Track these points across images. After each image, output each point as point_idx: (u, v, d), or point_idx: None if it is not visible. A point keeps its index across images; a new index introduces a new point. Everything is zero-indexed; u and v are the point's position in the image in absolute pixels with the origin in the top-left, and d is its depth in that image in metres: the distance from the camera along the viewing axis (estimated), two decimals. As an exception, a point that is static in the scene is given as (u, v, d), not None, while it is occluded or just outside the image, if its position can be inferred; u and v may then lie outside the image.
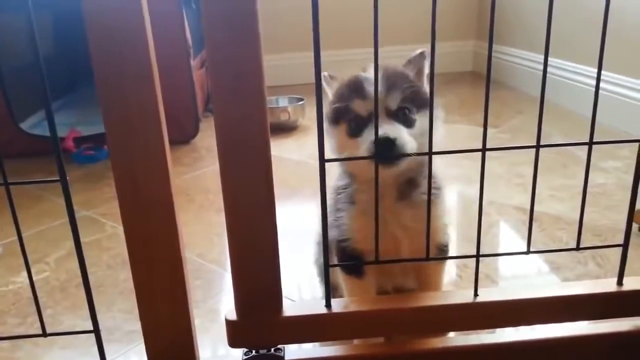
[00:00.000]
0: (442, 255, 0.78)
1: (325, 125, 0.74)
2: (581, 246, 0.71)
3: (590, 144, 0.65)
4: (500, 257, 1.10)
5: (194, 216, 1.35)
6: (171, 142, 0.60)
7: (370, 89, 0.69)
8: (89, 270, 0.94)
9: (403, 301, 0.70)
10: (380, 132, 0.64)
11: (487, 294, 0.68)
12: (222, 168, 0.60)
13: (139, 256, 0.62)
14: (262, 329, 0.67)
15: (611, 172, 1.51)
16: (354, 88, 0.72)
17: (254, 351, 0.69)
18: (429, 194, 0.64)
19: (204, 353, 0.86)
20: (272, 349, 0.69)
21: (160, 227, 0.60)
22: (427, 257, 0.68)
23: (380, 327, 0.69)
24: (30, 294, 0.63)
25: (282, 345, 0.70)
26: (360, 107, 0.70)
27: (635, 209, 1.17)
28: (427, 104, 0.69)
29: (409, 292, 0.79)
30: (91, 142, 1.83)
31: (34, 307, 0.63)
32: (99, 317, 0.98)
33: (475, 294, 0.68)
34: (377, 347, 0.71)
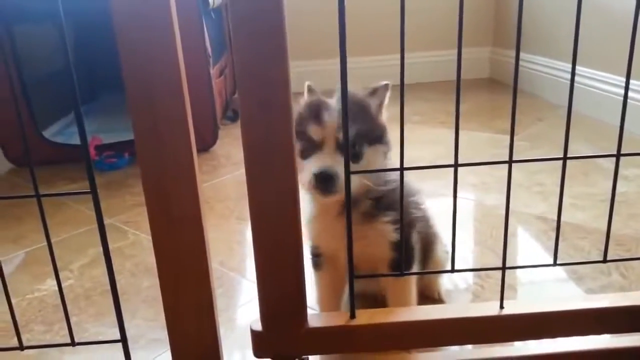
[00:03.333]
0: (399, 269, 0.79)
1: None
2: (615, 260, 0.70)
3: (618, 155, 0.64)
4: (522, 271, 1.09)
5: (215, 224, 1.36)
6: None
7: (327, 116, 0.73)
8: (117, 277, 0.95)
9: (429, 313, 0.70)
10: (321, 165, 0.71)
11: (512, 307, 0.68)
12: (249, 179, 0.61)
13: (167, 269, 0.63)
14: (286, 339, 0.68)
15: (633, 180, 1.49)
16: (313, 112, 0.74)
17: (278, 362, 0.69)
18: (402, 212, 0.67)
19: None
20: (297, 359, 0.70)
21: (189, 240, 0.61)
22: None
23: (405, 339, 0.69)
24: (55, 302, 0.65)
25: (307, 356, 0.71)
26: (315, 132, 0.74)
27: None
28: (379, 140, 0.76)
29: (436, 305, 0.79)
30: (112, 149, 1.85)
31: (59, 315, 0.64)
32: (126, 324, 1.00)
33: (501, 307, 0.68)
34: (398, 358, 0.71)
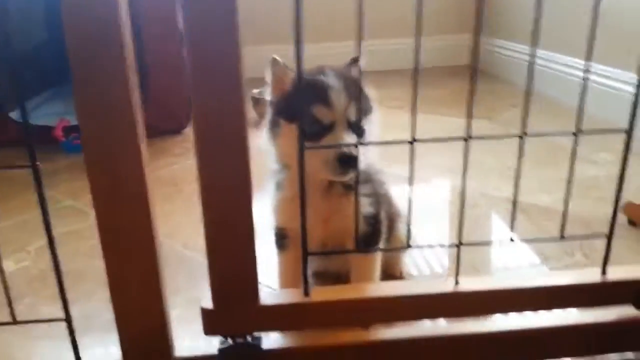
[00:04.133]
0: (366, 245, 0.81)
1: (270, 116, 0.77)
2: (568, 238, 0.70)
3: (577, 133, 0.63)
4: (489, 249, 1.09)
5: (182, 206, 1.34)
6: (164, 132, 0.59)
7: (335, 98, 0.72)
8: (71, 259, 0.93)
9: (384, 289, 0.68)
10: (344, 147, 0.70)
11: (467, 283, 0.67)
12: (198, 152, 0.59)
13: (111, 244, 0.60)
14: (238, 317, 0.66)
15: (603, 164, 1.49)
16: (317, 92, 0.73)
17: (230, 340, 0.68)
18: (357, 185, 0.68)
19: (183, 342, 0.85)
20: (250, 338, 0.68)
21: (134, 214, 0.59)
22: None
23: (359, 316, 0.68)
24: (9, 283, 0.63)
25: (260, 334, 0.69)
26: (323, 114, 0.73)
27: (626, 201, 1.17)
28: (370, 111, 0.78)
29: (391, 281, 0.78)
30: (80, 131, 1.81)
31: (12, 295, 0.62)
32: (80, 306, 0.98)
33: (456, 283, 0.67)
34: (357, 336, 0.70)
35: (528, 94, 0.62)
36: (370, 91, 0.81)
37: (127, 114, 0.55)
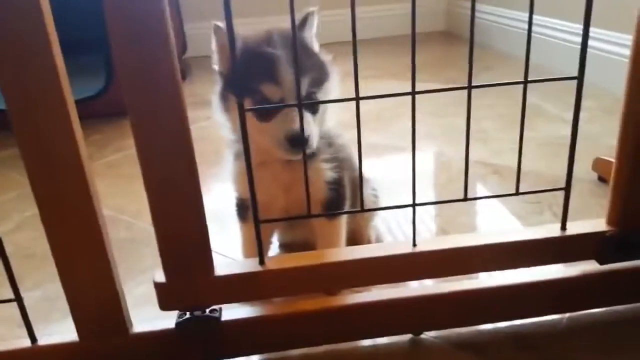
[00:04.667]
0: (330, 210, 0.80)
1: (219, 88, 0.74)
2: (527, 192, 0.70)
3: (525, 82, 0.62)
4: (457, 213, 1.08)
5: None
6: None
7: (283, 73, 0.67)
8: (39, 242, 0.90)
9: (340, 255, 0.67)
10: (291, 127, 0.67)
11: (425, 244, 0.66)
12: (133, 119, 0.56)
13: (51, 218, 0.58)
14: (192, 289, 0.65)
15: (576, 123, 1.48)
16: (263, 66, 0.68)
17: (188, 313, 0.67)
18: (304, 155, 0.64)
19: (140, 317, 0.84)
20: (207, 310, 0.67)
21: (70, 185, 0.57)
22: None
23: (317, 282, 0.67)
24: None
25: (219, 306, 0.68)
26: (271, 92, 0.68)
27: (595, 157, 1.17)
28: (326, 79, 0.73)
29: (348, 247, 0.77)
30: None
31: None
32: (46, 286, 0.96)
33: (414, 244, 0.66)
34: (317, 303, 0.69)
35: (471, 48, 0.61)
36: (325, 55, 0.78)
37: (51, 70, 0.52)
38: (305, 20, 0.72)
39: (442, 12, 2.90)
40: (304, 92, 0.69)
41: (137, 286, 0.92)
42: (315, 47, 0.76)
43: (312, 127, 0.70)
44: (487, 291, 0.71)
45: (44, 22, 0.50)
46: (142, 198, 0.60)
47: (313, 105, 0.72)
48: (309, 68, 0.70)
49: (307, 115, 0.70)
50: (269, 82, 0.68)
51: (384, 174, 1.25)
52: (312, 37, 0.75)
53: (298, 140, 0.67)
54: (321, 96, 0.73)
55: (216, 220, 1.12)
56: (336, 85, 0.76)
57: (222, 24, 0.69)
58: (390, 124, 1.58)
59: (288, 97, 0.68)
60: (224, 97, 0.73)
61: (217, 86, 0.75)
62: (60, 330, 0.83)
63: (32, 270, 1.00)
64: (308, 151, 0.68)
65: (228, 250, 0.99)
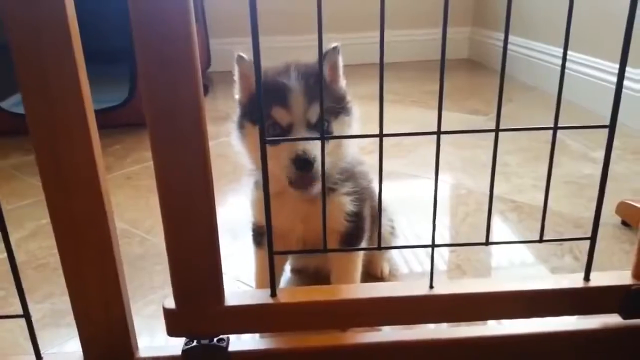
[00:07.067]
0: (349, 244, 0.79)
1: (237, 117, 0.75)
2: (551, 240, 0.67)
3: (555, 128, 0.60)
4: (474, 250, 1.06)
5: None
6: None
7: (292, 99, 0.69)
8: (53, 251, 0.90)
9: (354, 292, 0.66)
10: (296, 150, 0.67)
11: (442, 287, 0.64)
12: (153, 143, 0.56)
13: (63, 233, 0.58)
14: (201, 318, 0.63)
15: (600, 162, 1.45)
16: (274, 93, 0.69)
17: (195, 341, 0.65)
18: (323, 187, 0.62)
19: (147, 341, 0.82)
20: (215, 339, 0.66)
21: (85, 201, 0.56)
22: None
23: (329, 319, 0.65)
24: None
25: (227, 336, 0.67)
26: (281, 116, 0.70)
27: (619, 201, 1.14)
28: (342, 110, 0.74)
29: (362, 284, 0.75)
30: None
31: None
32: (56, 299, 0.95)
33: (431, 286, 0.64)
34: (326, 339, 0.67)
35: (500, 97, 0.59)
36: (346, 89, 0.77)
37: (74, 87, 0.52)
38: (325, 55, 0.72)
39: (465, 40, 2.89)
40: (314, 118, 0.69)
41: (146, 305, 0.91)
42: (341, 81, 0.75)
43: (318, 153, 0.69)
44: (504, 339, 0.69)
45: (69, 33, 0.50)
46: (157, 212, 0.59)
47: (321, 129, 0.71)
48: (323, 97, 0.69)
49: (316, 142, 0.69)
50: (279, 106, 0.69)
51: (402, 202, 1.23)
52: (331, 68, 0.74)
53: (304, 162, 0.68)
54: (336, 126, 0.73)
55: (230, 235, 1.11)
56: (357, 120, 0.76)
57: (244, 55, 0.71)
58: (410, 151, 1.56)
59: (297, 122, 0.70)
60: (240, 126, 0.74)
61: (234, 115, 0.76)
62: (67, 346, 0.83)
63: (43, 281, 1.00)
64: (315, 188, 0.69)
65: (241, 274, 0.98)
